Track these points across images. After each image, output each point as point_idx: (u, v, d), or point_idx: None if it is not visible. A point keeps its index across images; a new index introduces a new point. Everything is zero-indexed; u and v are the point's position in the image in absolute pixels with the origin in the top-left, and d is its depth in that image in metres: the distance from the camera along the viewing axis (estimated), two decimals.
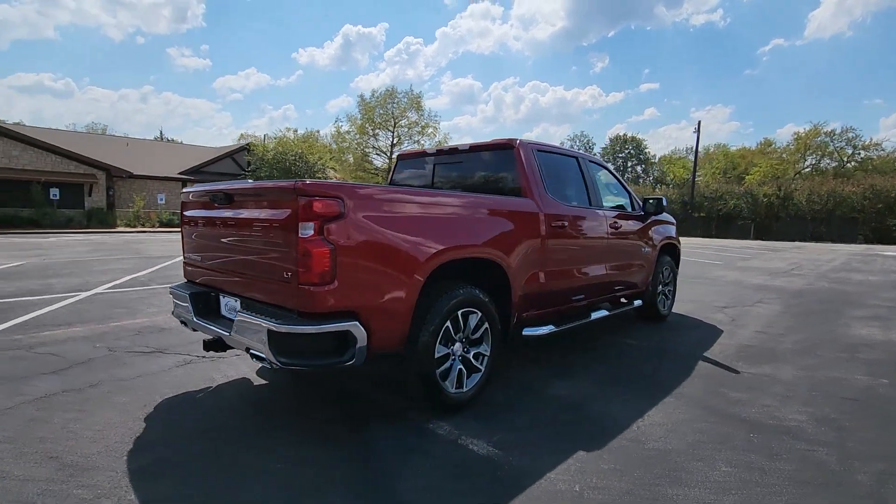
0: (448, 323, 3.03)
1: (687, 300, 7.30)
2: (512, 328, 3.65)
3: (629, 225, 5.15)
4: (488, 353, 3.35)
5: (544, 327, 3.94)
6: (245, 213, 2.90)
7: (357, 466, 2.49)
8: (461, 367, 3.18)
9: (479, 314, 3.24)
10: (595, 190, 4.70)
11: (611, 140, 67.07)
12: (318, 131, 36.49)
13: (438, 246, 2.94)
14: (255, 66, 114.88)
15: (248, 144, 33.59)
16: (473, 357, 3.27)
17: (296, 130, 34.23)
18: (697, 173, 38.81)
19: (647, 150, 66.80)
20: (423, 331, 2.89)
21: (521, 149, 3.96)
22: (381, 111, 40.77)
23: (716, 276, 10.34)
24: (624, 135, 66.65)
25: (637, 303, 5.36)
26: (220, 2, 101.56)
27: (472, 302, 3.16)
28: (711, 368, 4.17)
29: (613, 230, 4.77)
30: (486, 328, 3.31)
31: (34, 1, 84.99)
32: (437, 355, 2.97)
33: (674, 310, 6.43)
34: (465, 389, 3.19)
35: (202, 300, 3.28)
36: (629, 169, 66.45)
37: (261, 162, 30.09)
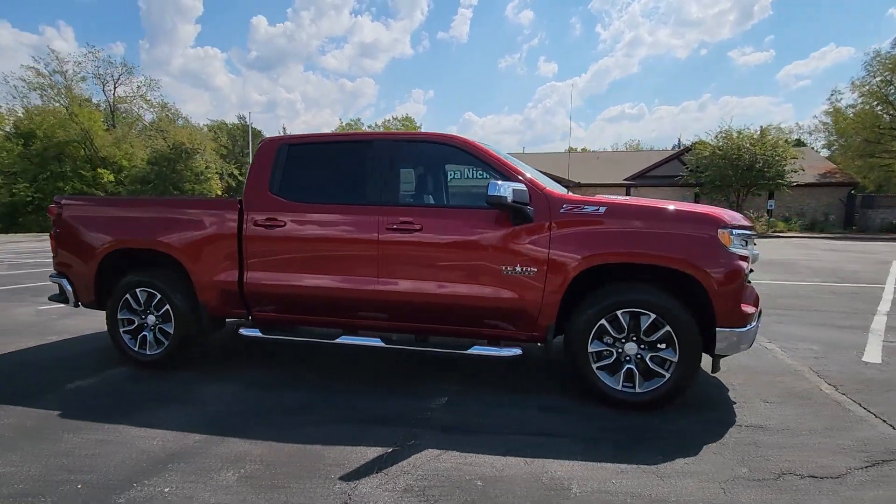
0: (128, 296, 4.03)
1: None
2: (205, 319, 3.93)
3: (457, 227, 3.47)
4: (171, 332, 3.96)
5: (253, 330, 3.87)
6: None
7: None
8: (147, 334, 4.03)
9: (159, 296, 3.96)
10: (385, 182, 3.60)
11: None
12: (769, 126, 28.55)
13: (109, 237, 4.03)
14: (833, 41, 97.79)
15: (692, 144, 31.28)
16: (159, 332, 4.02)
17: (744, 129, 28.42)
18: None
19: None
20: (109, 300, 4.12)
21: (260, 146, 3.96)
22: None
23: None
24: None
25: (499, 351, 3.40)
26: None
27: (143, 284, 3.99)
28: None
29: (399, 232, 3.47)
30: (168, 310, 3.95)
31: (624, 46, 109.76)
32: (120, 317, 4.06)
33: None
34: (147, 353, 4.02)
35: None
36: None
37: (698, 161, 27.92)
